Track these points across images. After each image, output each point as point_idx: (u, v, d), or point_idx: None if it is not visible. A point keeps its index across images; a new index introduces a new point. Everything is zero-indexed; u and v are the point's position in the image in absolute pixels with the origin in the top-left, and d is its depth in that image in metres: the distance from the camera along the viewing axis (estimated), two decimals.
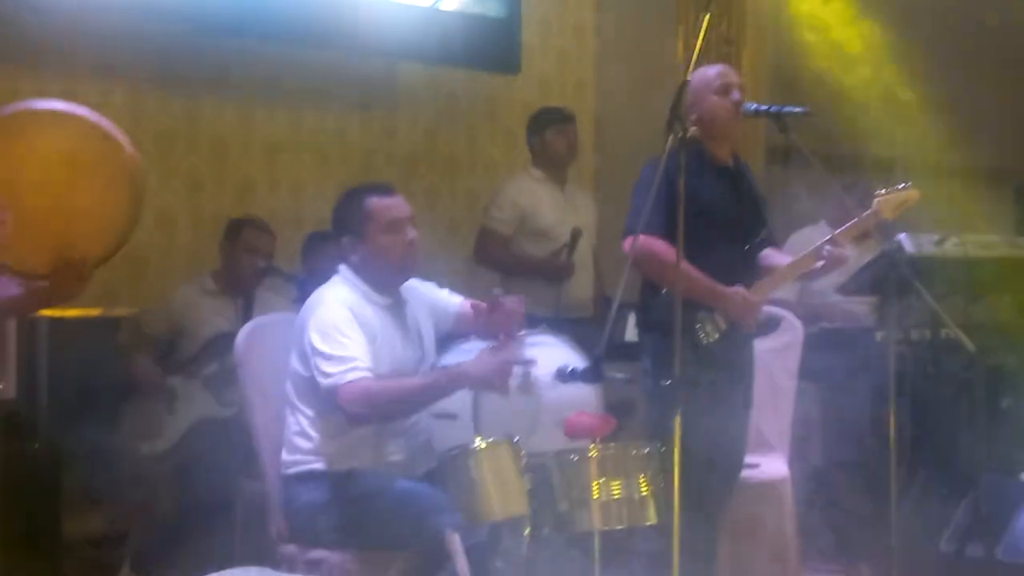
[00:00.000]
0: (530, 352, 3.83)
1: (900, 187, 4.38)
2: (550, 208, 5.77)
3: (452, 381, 3.71)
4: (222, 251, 5.16)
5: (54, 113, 3.10)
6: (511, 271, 5.76)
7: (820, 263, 4.18)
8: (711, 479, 4.17)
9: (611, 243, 4.17)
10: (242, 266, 5.08)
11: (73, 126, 3.10)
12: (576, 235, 5.63)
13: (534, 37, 6.84)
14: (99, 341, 5.16)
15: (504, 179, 6.11)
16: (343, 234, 3.92)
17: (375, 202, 3.89)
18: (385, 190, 3.96)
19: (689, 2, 6.89)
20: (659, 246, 3.88)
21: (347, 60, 6.05)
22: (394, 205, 3.91)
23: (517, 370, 3.67)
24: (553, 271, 5.63)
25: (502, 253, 5.79)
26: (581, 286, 5.78)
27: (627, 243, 3.97)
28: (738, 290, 4.05)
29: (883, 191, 4.37)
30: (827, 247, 4.16)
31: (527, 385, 3.71)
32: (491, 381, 3.61)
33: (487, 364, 3.63)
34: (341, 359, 3.67)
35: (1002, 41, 8.55)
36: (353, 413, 3.69)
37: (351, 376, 3.65)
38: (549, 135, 5.84)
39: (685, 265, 3.59)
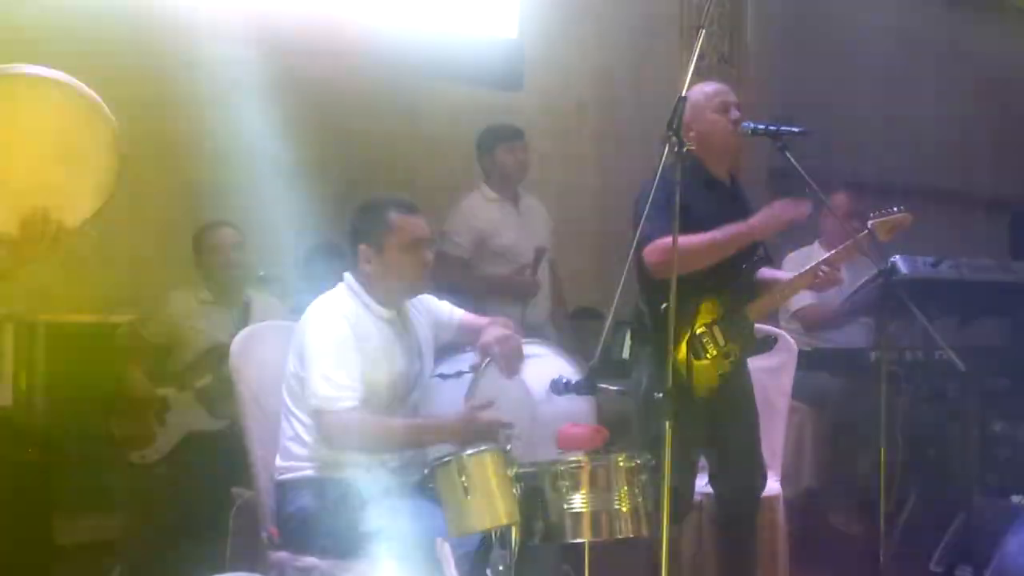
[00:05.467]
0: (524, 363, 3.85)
1: (894, 211, 4.43)
2: (508, 227, 5.60)
3: (435, 434, 3.73)
4: (196, 263, 5.18)
5: (38, 79, 3.06)
6: (473, 292, 5.38)
7: (815, 282, 4.22)
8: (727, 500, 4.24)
9: (616, 257, 4.09)
10: (213, 264, 5.11)
11: (57, 93, 3.06)
12: (540, 253, 5.54)
13: (535, 51, 6.72)
14: (97, 348, 5.17)
15: (457, 200, 5.76)
16: (359, 241, 3.87)
17: (401, 218, 3.85)
18: (410, 207, 3.90)
19: (692, 19, 6.90)
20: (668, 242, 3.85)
21: (353, 75, 6.04)
22: (418, 224, 3.88)
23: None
24: (519, 289, 5.53)
25: (461, 276, 5.52)
26: (539, 306, 5.64)
27: (649, 252, 3.96)
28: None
29: (878, 214, 4.42)
30: (822, 267, 4.20)
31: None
32: (472, 441, 3.53)
33: (472, 425, 3.62)
34: (334, 383, 3.69)
35: (1000, 72, 8.64)
36: (333, 438, 3.71)
37: (340, 405, 3.68)
38: (499, 152, 5.60)
39: (702, 235, 3.72)
